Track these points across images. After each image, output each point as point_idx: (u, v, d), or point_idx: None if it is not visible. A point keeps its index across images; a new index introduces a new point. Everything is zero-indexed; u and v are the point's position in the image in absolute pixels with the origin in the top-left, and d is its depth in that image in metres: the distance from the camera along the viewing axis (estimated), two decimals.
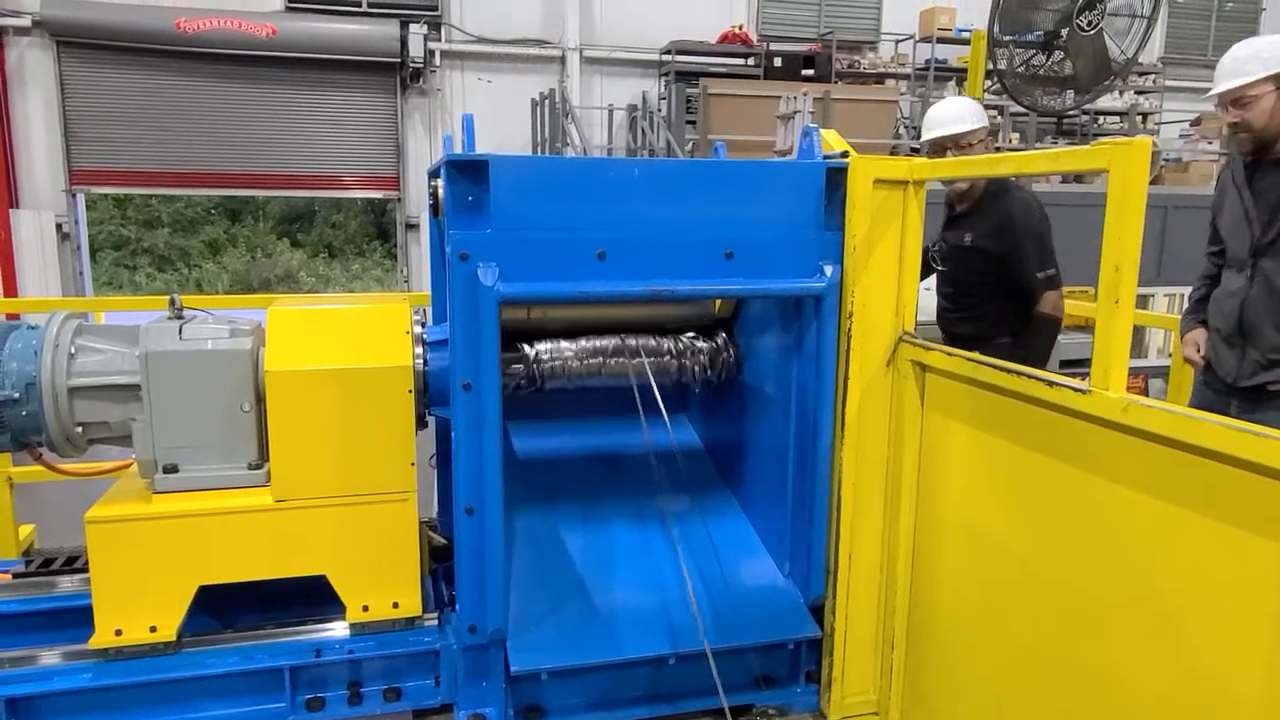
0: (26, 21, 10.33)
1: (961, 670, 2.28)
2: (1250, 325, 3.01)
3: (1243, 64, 2.92)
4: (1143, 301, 8.35)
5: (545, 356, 2.67)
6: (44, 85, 10.57)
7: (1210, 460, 1.53)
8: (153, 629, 2.30)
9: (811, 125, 2.65)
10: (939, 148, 3.65)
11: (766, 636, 2.53)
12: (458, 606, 2.41)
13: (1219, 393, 3.15)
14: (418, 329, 2.49)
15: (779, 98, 9.03)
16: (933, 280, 4.18)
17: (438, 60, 11.57)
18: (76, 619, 2.50)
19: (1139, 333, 7.80)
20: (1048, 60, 7.00)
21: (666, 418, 2.54)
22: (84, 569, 2.82)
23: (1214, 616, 1.56)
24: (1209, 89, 3.07)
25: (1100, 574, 1.79)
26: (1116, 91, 12.06)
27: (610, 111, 12.08)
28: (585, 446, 3.12)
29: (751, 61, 11.93)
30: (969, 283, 3.66)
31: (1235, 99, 2.93)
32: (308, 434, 2.32)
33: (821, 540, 2.53)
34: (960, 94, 11.25)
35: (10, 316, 3.43)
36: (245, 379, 2.35)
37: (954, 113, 3.63)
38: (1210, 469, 1.53)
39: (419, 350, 2.45)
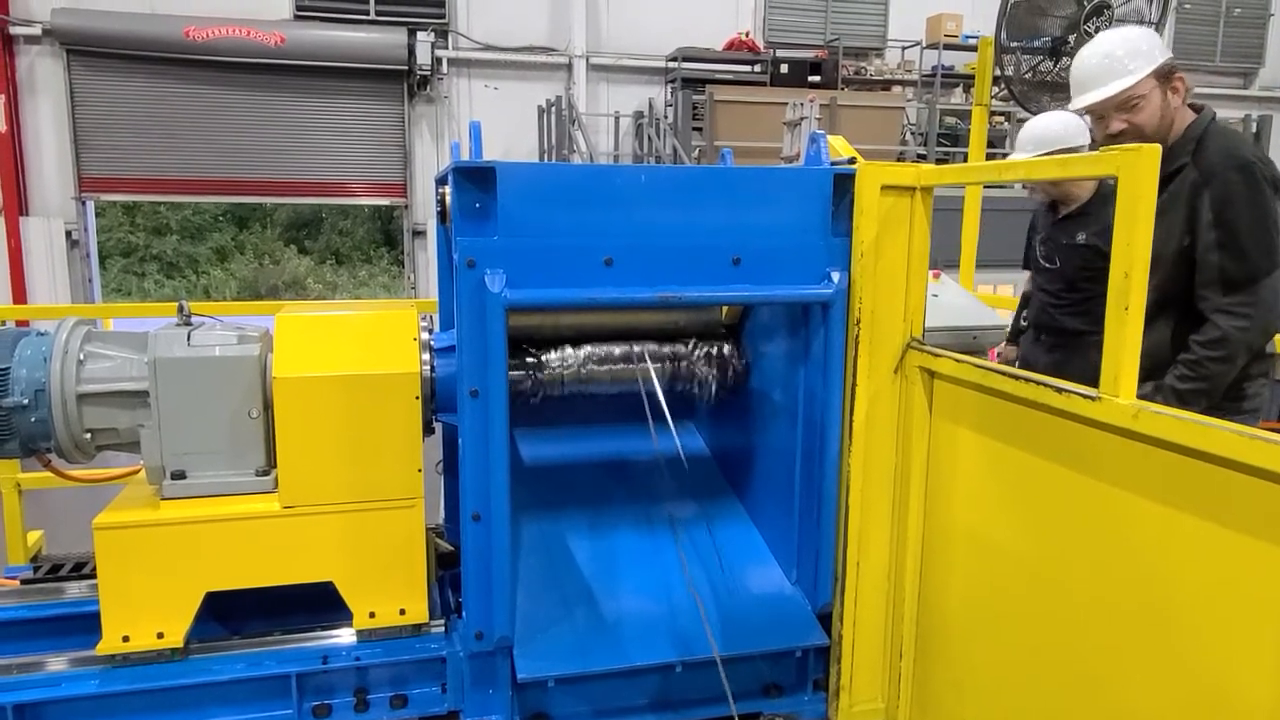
0: (37, 30, 10.41)
1: (970, 678, 2.27)
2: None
3: (1123, 62, 2.61)
4: None
5: (552, 363, 2.67)
6: (54, 93, 10.65)
7: (1222, 467, 1.52)
8: (160, 635, 2.31)
9: (818, 131, 2.65)
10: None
11: (774, 644, 2.52)
12: (464, 613, 2.40)
13: None
14: (425, 335, 2.50)
15: (785, 104, 9.06)
16: (939, 287, 4.24)
17: (445, 68, 11.62)
18: (84, 625, 2.50)
19: None
20: (1055, 66, 6.98)
21: (672, 425, 2.54)
22: (92, 575, 2.83)
23: (1226, 625, 1.55)
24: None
25: (1110, 582, 1.78)
26: None
27: (617, 118, 12.11)
28: (592, 453, 3.12)
29: (758, 68, 11.96)
30: (1079, 278, 3.82)
31: (1122, 103, 2.64)
32: (315, 440, 2.32)
33: (829, 547, 2.52)
34: (969, 101, 11.25)
35: (20, 323, 3.44)
36: (253, 385, 2.35)
37: (1073, 129, 3.70)
38: (1222, 476, 1.52)
39: (426, 357, 2.45)
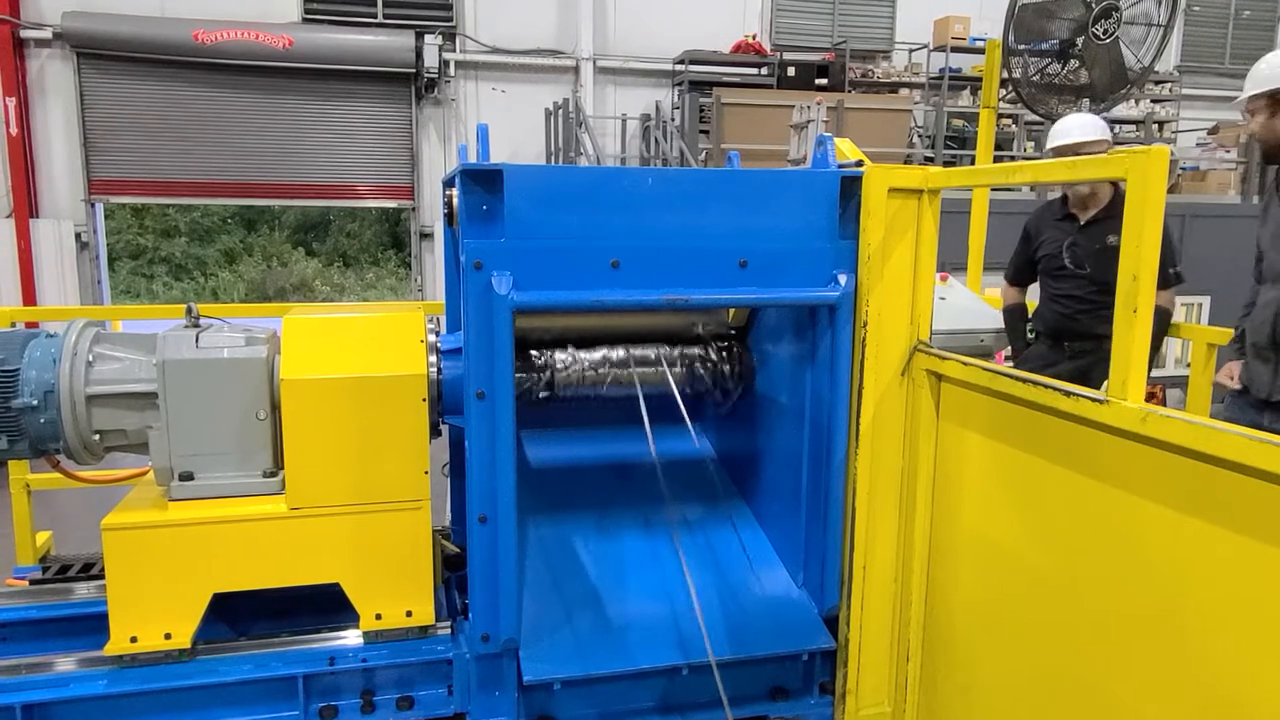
0: (48, 34, 10.46)
1: (977, 683, 2.26)
2: None
3: (1250, 78, 3.15)
4: None
5: (559, 365, 2.67)
6: (64, 96, 10.70)
7: (1230, 471, 1.51)
8: (168, 636, 2.31)
9: (825, 134, 2.64)
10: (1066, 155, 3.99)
11: (780, 647, 2.51)
12: (470, 615, 2.40)
13: (1253, 407, 3.18)
14: (432, 338, 2.50)
15: (792, 107, 9.05)
16: (946, 290, 4.22)
17: (452, 70, 11.64)
18: (92, 626, 2.51)
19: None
20: (1063, 69, 6.96)
21: (691, 426, 2.54)
22: (100, 576, 2.85)
23: (1235, 629, 1.54)
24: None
25: (1118, 586, 1.77)
26: (1133, 100, 12.00)
27: (624, 121, 12.12)
28: (598, 455, 3.12)
29: (765, 71, 11.95)
30: (1114, 282, 3.89)
31: (1249, 108, 3.17)
32: (322, 442, 2.33)
33: (836, 550, 2.51)
34: (976, 103, 11.24)
35: (29, 325, 3.46)
36: (261, 387, 2.36)
37: (1078, 124, 4.01)
38: (1230, 480, 1.51)
39: (433, 359, 2.46)
